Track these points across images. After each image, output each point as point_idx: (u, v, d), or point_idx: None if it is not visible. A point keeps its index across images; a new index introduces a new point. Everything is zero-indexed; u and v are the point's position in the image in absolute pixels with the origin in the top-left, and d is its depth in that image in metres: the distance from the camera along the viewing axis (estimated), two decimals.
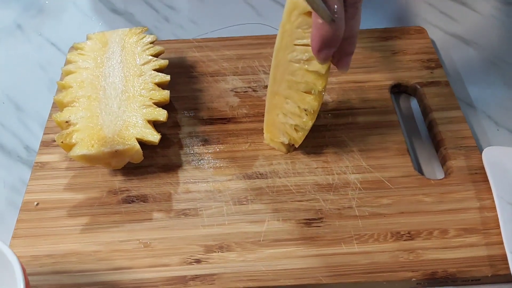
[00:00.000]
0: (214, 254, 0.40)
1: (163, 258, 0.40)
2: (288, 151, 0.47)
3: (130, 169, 0.46)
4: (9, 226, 0.43)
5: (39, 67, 0.59)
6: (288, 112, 0.44)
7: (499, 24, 0.62)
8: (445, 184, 0.44)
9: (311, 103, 0.42)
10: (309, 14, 0.38)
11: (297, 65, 0.41)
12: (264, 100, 0.47)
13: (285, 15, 0.40)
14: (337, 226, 0.42)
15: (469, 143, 0.47)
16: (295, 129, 0.44)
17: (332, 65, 0.41)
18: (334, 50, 0.38)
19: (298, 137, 0.45)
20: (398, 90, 0.54)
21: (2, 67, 0.59)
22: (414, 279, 0.39)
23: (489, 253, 0.40)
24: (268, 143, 0.48)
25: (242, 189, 0.45)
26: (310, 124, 0.44)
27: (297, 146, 0.46)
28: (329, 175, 0.45)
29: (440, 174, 0.46)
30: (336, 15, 0.36)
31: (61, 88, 0.48)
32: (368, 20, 0.62)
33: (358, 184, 0.44)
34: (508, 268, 0.38)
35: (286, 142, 0.46)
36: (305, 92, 0.42)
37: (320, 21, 0.36)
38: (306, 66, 0.41)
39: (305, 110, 0.43)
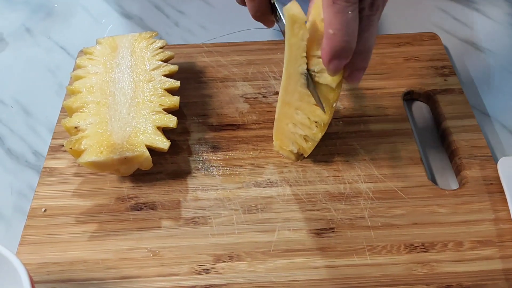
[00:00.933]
0: (223, 264, 0.40)
1: (172, 267, 0.40)
2: (298, 159, 0.46)
3: (139, 176, 0.46)
4: (16, 232, 0.43)
5: (48, 71, 0.59)
6: (298, 122, 0.43)
7: None
8: (460, 195, 0.43)
9: (322, 116, 0.42)
10: (311, 26, 0.38)
11: None
12: (274, 107, 0.46)
13: (287, 30, 0.39)
14: (349, 236, 0.41)
15: (484, 153, 0.46)
16: (304, 139, 0.44)
17: None
18: (346, 62, 0.37)
19: (308, 147, 0.44)
20: (411, 97, 0.53)
21: (11, 71, 0.59)
22: None
23: (505, 267, 0.39)
24: (277, 151, 0.47)
25: (252, 197, 0.44)
26: (320, 135, 0.43)
27: (306, 156, 0.45)
28: (340, 184, 0.45)
29: (454, 184, 0.46)
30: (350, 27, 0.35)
31: (70, 93, 0.48)
32: (380, 26, 0.62)
33: (370, 194, 0.44)
34: None
35: (295, 151, 0.45)
36: (316, 105, 0.42)
37: (331, 31, 0.36)
38: (317, 78, 0.40)
39: (316, 122, 0.42)
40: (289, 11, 0.38)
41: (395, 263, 0.39)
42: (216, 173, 0.46)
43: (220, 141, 0.49)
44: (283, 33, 0.43)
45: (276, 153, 0.47)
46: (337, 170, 0.46)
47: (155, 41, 0.52)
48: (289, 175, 0.46)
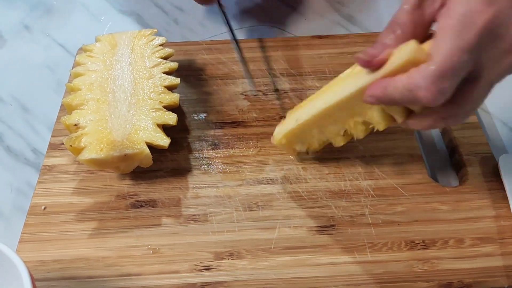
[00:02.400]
0: (224, 261, 0.40)
1: (172, 264, 0.40)
2: (298, 155, 0.46)
3: (139, 173, 0.45)
4: (16, 230, 0.43)
5: (46, 68, 0.58)
6: (327, 131, 0.42)
7: None
8: (460, 192, 0.43)
9: (359, 133, 0.40)
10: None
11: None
12: (274, 104, 0.46)
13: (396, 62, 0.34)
14: (350, 234, 0.41)
15: (484, 150, 0.46)
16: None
17: None
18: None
19: (319, 147, 0.44)
20: None
21: (9, 68, 0.59)
22: None
23: (506, 263, 0.39)
24: (276, 145, 0.46)
25: (253, 194, 0.44)
26: (341, 144, 0.42)
27: (309, 153, 0.45)
28: (341, 181, 0.45)
29: (454, 181, 0.46)
30: None
31: (70, 90, 0.48)
32: (381, 26, 0.61)
33: (371, 191, 0.44)
34: None
35: (303, 151, 0.45)
36: (364, 122, 0.39)
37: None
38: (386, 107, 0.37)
39: (345, 132, 0.41)
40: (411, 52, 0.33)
41: (395, 260, 0.39)
42: (216, 170, 0.46)
43: (220, 139, 0.48)
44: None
45: (277, 151, 0.47)
46: (338, 167, 0.46)
47: (154, 38, 0.52)
48: (289, 172, 0.45)
